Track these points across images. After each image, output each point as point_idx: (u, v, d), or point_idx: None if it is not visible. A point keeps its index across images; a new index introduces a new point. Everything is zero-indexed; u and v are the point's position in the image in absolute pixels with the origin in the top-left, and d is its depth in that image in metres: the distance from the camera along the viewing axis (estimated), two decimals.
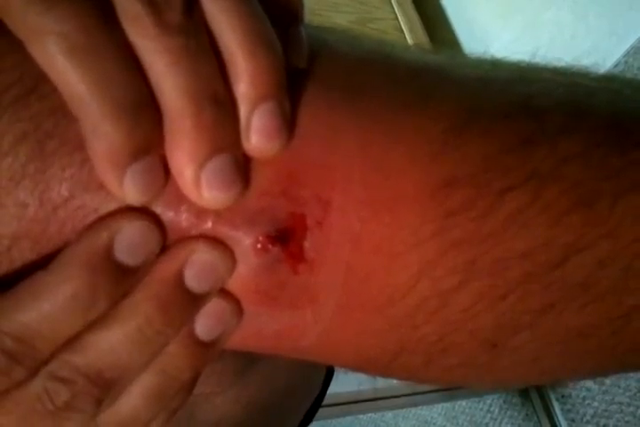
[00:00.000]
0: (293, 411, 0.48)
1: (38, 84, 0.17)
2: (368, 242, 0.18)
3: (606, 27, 1.06)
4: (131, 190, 0.16)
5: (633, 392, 1.02)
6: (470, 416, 1.05)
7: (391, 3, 1.18)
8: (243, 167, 0.17)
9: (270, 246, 0.17)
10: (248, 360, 0.34)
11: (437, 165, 0.19)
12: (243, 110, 0.17)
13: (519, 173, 0.19)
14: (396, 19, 1.16)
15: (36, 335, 0.17)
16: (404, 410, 1.13)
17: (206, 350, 0.19)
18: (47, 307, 0.17)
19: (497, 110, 0.20)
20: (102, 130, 0.16)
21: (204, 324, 0.19)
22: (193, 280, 0.18)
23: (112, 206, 0.17)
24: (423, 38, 1.13)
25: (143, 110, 0.16)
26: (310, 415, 0.51)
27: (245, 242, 0.18)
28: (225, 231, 0.18)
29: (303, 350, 0.21)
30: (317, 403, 0.51)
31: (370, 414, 1.16)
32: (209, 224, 0.18)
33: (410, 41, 1.13)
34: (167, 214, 0.18)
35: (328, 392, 0.51)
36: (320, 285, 0.19)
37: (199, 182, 0.17)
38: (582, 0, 1.08)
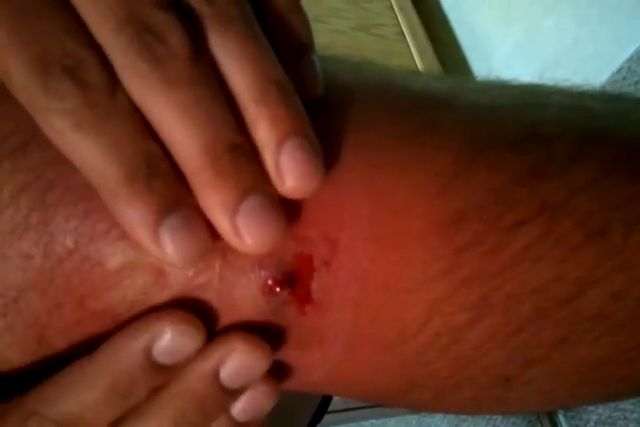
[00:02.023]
0: (298, 414, 0.48)
1: (37, 133, 0.16)
2: (376, 280, 0.18)
3: (609, 32, 1.06)
4: (170, 251, 0.16)
5: (637, 399, 1.02)
6: (474, 424, 1.05)
7: (393, 8, 1.18)
8: (279, 205, 0.16)
9: (278, 290, 0.17)
10: None
11: (445, 200, 0.18)
12: (268, 156, 0.16)
13: (530, 205, 0.19)
14: (398, 24, 1.16)
15: (79, 422, 0.17)
16: (407, 416, 1.13)
17: None
18: (89, 396, 0.17)
19: (505, 140, 0.20)
20: (120, 195, 0.15)
21: (241, 409, 0.19)
22: (228, 377, 0.18)
23: (118, 259, 0.17)
24: (425, 44, 1.13)
25: (159, 167, 0.16)
26: (316, 420, 0.50)
27: (253, 287, 0.18)
28: (233, 277, 0.18)
29: (312, 385, 0.21)
30: (322, 408, 0.51)
31: (372, 421, 1.16)
32: (217, 270, 0.18)
33: (412, 46, 1.13)
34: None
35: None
36: (328, 325, 0.19)
37: (238, 229, 0.16)
38: (584, 6, 1.08)
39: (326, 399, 0.52)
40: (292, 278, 0.17)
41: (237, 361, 0.18)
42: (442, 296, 0.19)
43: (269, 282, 0.17)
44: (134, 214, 0.15)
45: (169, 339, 0.17)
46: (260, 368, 0.18)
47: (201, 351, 0.18)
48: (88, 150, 0.15)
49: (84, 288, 0.17)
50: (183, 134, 0.15)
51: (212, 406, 0.18)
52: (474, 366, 0.20)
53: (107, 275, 0.17)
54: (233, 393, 0.18)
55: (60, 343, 0.18)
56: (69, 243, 0.17)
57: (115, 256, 0.17)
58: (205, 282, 0.18)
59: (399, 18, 1.17)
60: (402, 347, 0.19)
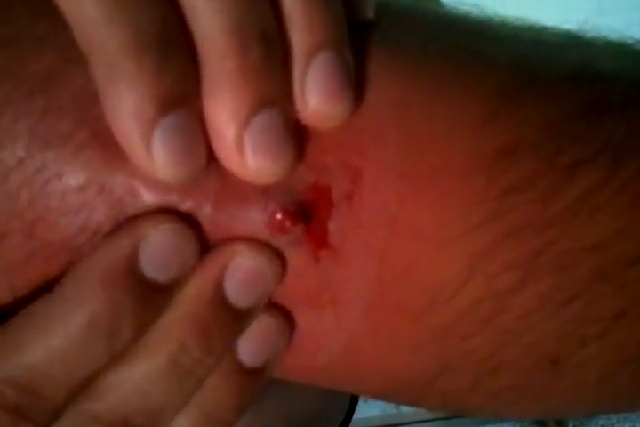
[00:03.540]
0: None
1: None
2: (406, 226, 0.15)
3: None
4: (161, 157, 0.13)
5: None
6: None
7: None
8: (294, 129, 0.14)
9: (288, 225, 0.14)
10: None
11: (491, 130, 0.15)
12: (297, 64, 0.13)
13: (590, 143, 0.15)
14: None
15: (44, 381, 0.13)
16: None
17: (252, 380, 0.16)
18: (57, 342, 0.13)
19: (558, 70, 0.17)
20: (123, 69, 0.12)
21: (250, 347, 0.15)
22: (235, 292, 0.14)
23: (82, 174, 0.14)
24: None
25: (174, 45, 0.12)
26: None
27: (257, 219, 0.14)
28: (231, 205, 0.14)
29: (319, 371, 0.17)
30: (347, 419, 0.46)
31: None
32: (210, 194, 0.14)
33: None
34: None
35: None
36: (346, 278, 0.15)
37: (242, 146, 0.13)
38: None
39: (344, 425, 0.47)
40: (307, 212, 0.14)
41: (245, 267, 0.14)
42: (485, 251, 0.15)
43: (278, 215, 0.14)
44: (131, 100, 0.12)
45: (156, 241, 0.13)
46: (272, 277, 0.15)
47: (199, 263, 0.14)
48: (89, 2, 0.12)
49: (34, 211, 0.14)
50: (210, 9, 0.12)
51: (219, 335, 0.14)
52: (518, 343, 0.16)
53: (65, 194, 0.14)
54: (241, 318, 0.15)
55: (3, 287, 0.14)
56: (19, 150, 0.14)
57: (77, 169, 0.14)
58: (194, 209, 0.14)
59: None
60: (434, 315, 0.16)
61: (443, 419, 1.05)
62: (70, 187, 0.14)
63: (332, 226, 0.15)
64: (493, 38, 0.18)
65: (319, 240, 0.15)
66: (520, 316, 0.16)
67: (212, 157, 0.14)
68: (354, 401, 0.43)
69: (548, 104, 0.16)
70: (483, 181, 0.15)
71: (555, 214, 0.15)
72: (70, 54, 0.14)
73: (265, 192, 0.14)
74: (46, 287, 0.14)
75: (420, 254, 0.15)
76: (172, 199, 0.14)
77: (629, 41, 0.20)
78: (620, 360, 0.17)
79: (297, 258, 0.15)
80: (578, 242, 0.15)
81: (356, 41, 0.15)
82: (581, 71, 0.17)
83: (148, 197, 0.14)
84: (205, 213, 0.14)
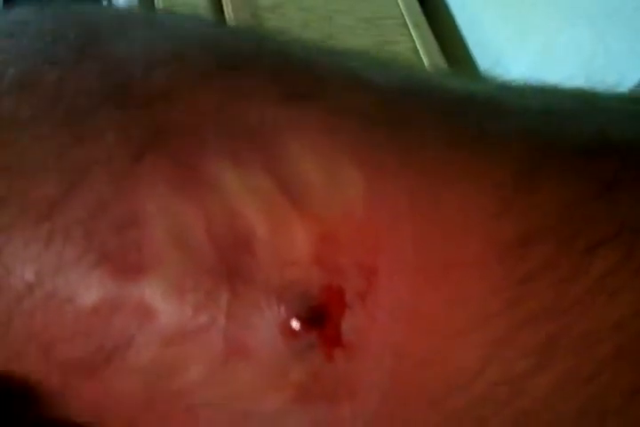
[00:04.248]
0: None
1: None
2: (423, 320, 0.15)
3: (626, 47, 1.03)
4: None
5: None
6: None
7: (407, 26, 1.16)
8: None
9: (302, 332, 0.14)
10: None
11: (508, 218, 0.15)
12: None
13: (607, 224, 0.15)
14: (412, 41, 1.14)
15: None
16: None
17: None
18: None
19: (572, 145, 0.16)
20: None
21: None
22: None
23: (94, 295, 0.14)
24: (440, 61, 1.11)
25: None
26: None
27: (271, 327, 0.15)
28: (244, 315, 0.14)
29: None
30: None
31: None
32: (223, 305, 0.14)
33: (426, 63, 1.11)
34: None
35: None
36: (361, 374, 0.15)
37: None
38: (600, 20, 1.06)
39: None
40: (320, 316, 0.15)
41: None
42: (502, 338, 0.15)
43: (292, 323, 0.14)
44: None
45: None
46: None
47: None
48: None
49: (49, 334, 0.14)
50: None
51: None
52: (537, 422, 0.16)
53: (79, 316, 0.14)
54: None
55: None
56: (29, 275, 0.14)
57: (88, 292, 0.14)
58: (208, 323, 0.14)
59: (413, 35, 1.15)
60: (451, 400, 0.16)
61: None
62: (83, 309, 0.14)
63: (345, 326, 0.15)
64: (503, 114, 0.18)
65: (333, 341, 0.15)
66: (539, 398, 0.16)
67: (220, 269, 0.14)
68: None
69: (562, 186, 0.16)
70: (499, 270, 0.15)
71: (573, 299, 0.15)
72: (72, 178, 0.14)
73: (277, 299, 0.15)
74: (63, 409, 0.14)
75: (437, 346, 0.15)
76: (187, 314, 0.14)
77: None
78: None
79: (310, 359, 0.15)
80: (596, 323, 0.15)
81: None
82: (595, 144, 0.17)
83: (163, 314, 0.14)
84: (219, 325, 0.14)
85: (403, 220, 0.15)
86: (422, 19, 1.16)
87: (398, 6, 1.15)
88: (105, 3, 0.94)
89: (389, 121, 0.16)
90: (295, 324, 0.14)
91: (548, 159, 0.16)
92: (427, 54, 1.12)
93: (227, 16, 0.97)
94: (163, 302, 0.14)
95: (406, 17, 1.15)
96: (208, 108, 0.15)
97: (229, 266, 0.14)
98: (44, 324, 0.14)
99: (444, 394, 0.16)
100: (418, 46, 1.13)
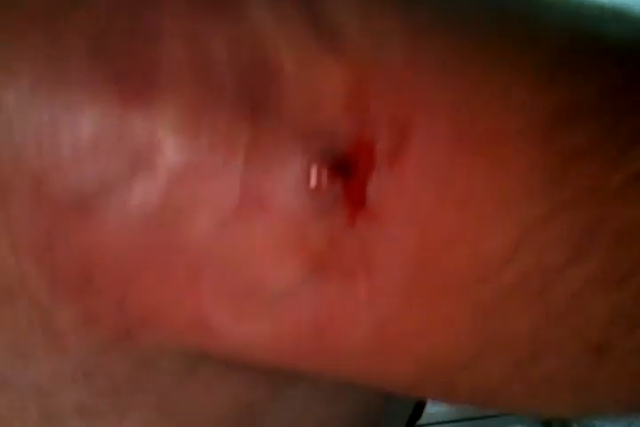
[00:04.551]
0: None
1: None
2: (456, 191, 0.14)
3: None
4: None
5: None
6: None
7: None
8: None
9: (327, 180, 0.13)
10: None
11: (550, 91, 0.14)
12: None
13: None
14: None
15: None
16: None
17: None
18: None
19: (613, 38, 0.16)
20: None
21: None
22: None
23: (97, 121, 0.12)
24: None
25: None
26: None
27: (293, 172, 0.13)
28: (266, 156, 0.13)
29: (348, 356, 0.16)
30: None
31: None
32: (241, 146, 0.13)
33: None
34: None
35: None
36: (383, 247, 0.14)
37: None
38: None
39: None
40: (346, 169, 0.13)
41: None
42: (539, 221, 0.14)
43: (316, 168, 0.13)
44: None
45: None
46: None
47: None
48: None
49: (43, 163, 0.13)
50: None
51: None
52: (565, 324, 0.15)
53: (78, 144, 0.13)
54: None
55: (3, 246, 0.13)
56: (20, 92, 0.12)
57: (92, 116, 0.12)
58: (224, 162, 0.13)
59: None
60: (477, 290, 0.14)
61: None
62: (83, 136, 0.13)
63: (371, 187, 0.13)
64: (545, 6, 0.17)
65: (357, 202, 0.13)
66: (570, 295, 0.15)
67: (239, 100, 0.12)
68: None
69: (605, 69, 0.15)
70: (541, 145, 0.14)
71: (615, 185, 0.14)
72: None
73: (303, 143, 0.13)
74: (49, 249, 0.13)
75: (467, 224, 0.14)
76: (201, 149, 0.13)
77: None
78: None
79: (331, 221, 0.14)
80: (636, 219, 0.14)
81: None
82: (634, 40, 0.16)
83: (171, 148, 0.13)
84: (236, 167, 0.13)
85: (444, 78, 0.14)
86: None
87: None
88: None
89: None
90: (320, 172, 0.13)
91: (592, 43, 0.15)
92: None
93: None
94: (175, 133, 0.13)
95: None
96: None
97: (253, 98, 0.13)
98: (38, 152, 0.13)
99: (471, 282, 0.14)
100: None
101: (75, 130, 0.13)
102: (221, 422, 0.20)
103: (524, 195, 0.14)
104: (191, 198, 0.13)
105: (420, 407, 0.40)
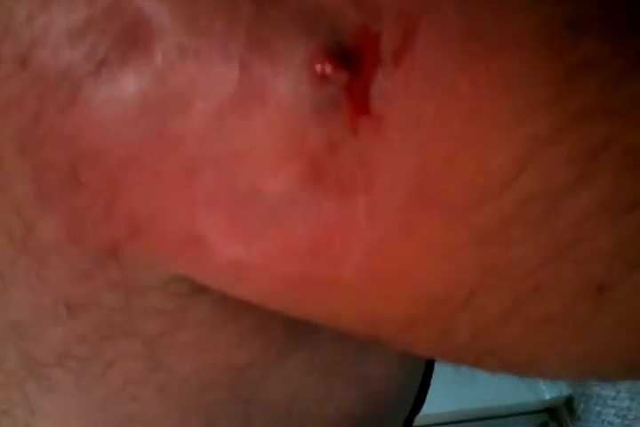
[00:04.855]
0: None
1: None
2: (462, 101, 0.13)
3: None
4: None
5: None
6: None
7: None
8: None
9: (331, 71, 0.12)
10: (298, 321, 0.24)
11: (561, 1, 0.13)
12: None
13: None
14: None
15: None
16: None
17: None
18: None
19: None
20: None
21: None
22: None
23: None
24: None
25: None
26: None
27: (295, 56, 0.12)
28: (267, 38, 0.12)
29: (339, 284, 0.15)
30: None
31: None
32: (242, 25, 0.12)
33: None
34: None
35: None
36: (385, 159, 0.13)
37: None
38: None
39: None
40: (350, 60, 0.12)
41: None
42: (544, 137, 0.13)
43: (320, 56, 0.12)
44: None
45: None
46: None
47: None
48: None
49: (32, 30, 0.12)
50: None
51: None
52: (566, 258, 0.14)
53: (71, 9, 0.12)
54: None
55: None
56: None
57: None
58: (224, 37, 0.12)
59: None
60: (479, 214, 0.14)
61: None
62: (75, 11, 0.12)
63: (375, 87, 0.12)
64: None
65: (359, 103, 0.12)
66: (573, 222, 0.14)
67: None
68: (424, 388, 0.37)
69: None
70: (550, 53, 0.13)
71: (624, 101, 0.13)
72: None
73: (307, 26, 0.12)
74: (33, 137, 0.12)
75: (471, 136, 0.13)
76: (201, 22, 0.12)
77: None
78: None
79: (332, 124, 0.13)
80: None
81: None
82: None
83: (168, 24, 0.12)
84: (236, 46, 0.12)
85: None
86: None
87: None
88: None
89: None
90: (324, 60, 0.12)
91: None
92: None
93: None
94: (172, 6, 0.12)
95: None
96: None
97: None
98: (28, 17, 0.12)
99: (473, 205, 0.14)
100: None
101: (68, 1, 0.12)
102: (214, 385, 0.19)
103: (533, 108, 0.13)
104: (187, 83, 0.12)
105: (420, 400, 0.38)
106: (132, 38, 0.12)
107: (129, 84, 0.12)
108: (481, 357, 0.17)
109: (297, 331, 0.19)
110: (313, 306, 0.16)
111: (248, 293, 0.15)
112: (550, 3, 0.13)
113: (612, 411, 1.09)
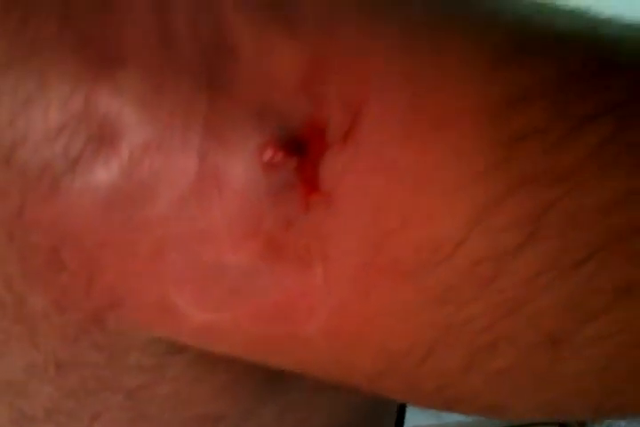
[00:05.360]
0: None
1: None
2: (408, 172, 0.14)
3: None
4: None
5: None
6: None
7: None
8: None
9: (281, 158, 0.13)
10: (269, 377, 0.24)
11: (504, 74, 0.14)
12: None
13: (598, 99, 0.15)
14: None
15: None
16: None
17: None
18: None
19: (566, 29, 0.16)
20: None
21: None
22: None
23: (66, 86, 0.13)
24: None
25: None
26: None
27: (248, 147, 0.13)
28: (223, 131, 0.13)
29: (307, 346, 0.16)
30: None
31: None
32: (199, 120, 0.13)
33: None
34: None
35: None
36: (338, 231, 0.14)
37: None
38: None
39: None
40: (300, 147, 0.13)
41: None
42: (490, 202, 0.14)
43: (271, 146, 0.13)
44: None
45: None
46: None
47: None
48: None
49: (15, 131, 0.13)
50: None
51: None
52: (519, 314, 0.15)
53: (47, 111, 0.13)
54: None
55: None
56: None
57: (61, 81, 0.13)
58: (183, 134, 0.13)
59: None
60: (431, 275, 0.15)
61: None
62: (52, 102, 0.13)
63: (324, 168, 0.14)
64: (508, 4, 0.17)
65: (310, 184, 0.13)
66: (522, 282, 0.15)
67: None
68: (402, 411, 0.38)
69: (557, 58, 0.15)
70: (492, 126, 0.14)
71: (565, 167, 0.14)
72: None
73: (258, 119, 0.13)
74: (19, 225, 0.13)
75: (419, 204, 0.14)
76: (161, 120, 0.13)
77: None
78: (627, 344, 0.16)
79: (286, 203, 0.14)
80: (588, 199, 0.14)
81: None
82: (588, 32, 0.16)
83: (133, 122, 0.13)
84: (194, 141, 0.13)
85: (397, 61, 0.14)
86: None
87: None
88: None
89: None
90: (274, 149, 0.13)
91: (544, 34, 0.16)
92: None
93: None
94: (136, 106, 0.13)
95: None
96: None
97: (210, 71, 0.13)
98: (10, 117, 0.13)
99: (423, 268, 0.15)
100: None
101: (45, 104, 0.13)
102: None
103: (476, 176, 0.14)
104: (152, 174, 0.13)
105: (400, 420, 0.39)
106: (100, 137, 0.13)
107: (101, 177, 0.13)
108: (449, 404, 0.18)
109: (269, 386, 0.20)
110: (285, 358, 0.17)
111: (224, 349, 0.16)
112: (490, 79, 0.14)
113: (623, 424, 1.09)
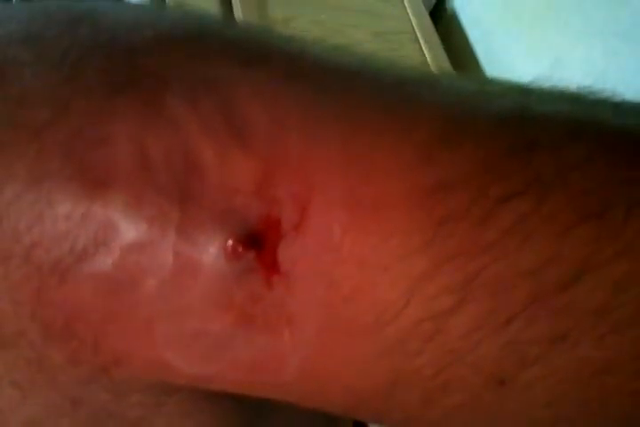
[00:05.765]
0: None
1: None
2: (351, 253, 0.17)
3: (637, 63, 1.04)
4: None
5: None
6: None
7: (419, 41, 1.18)
8: None
9: (241, 251, 0.16)
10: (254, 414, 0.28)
11: (428, 167, 0.17)
12: None
13: (520, 177, 0.17)
14: (424, 56, 1.16)
15: None
16: None
17: None
18: None
19: (494, 114, 0.18)
20: None
21: None
22: None
23: (68, 203, 0.17)
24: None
25: None
26: None
27: (214, 244, 0.16)
28: (193, 232, 0.16)
29: (285, 387, 0.19)
30: None
31: None
32: (174, 221, 0.16)
33: None
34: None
35: None
36: (298, 302, 0.17)
37: None
38: (612, 38, 1.07)
39: None
40: (258, 240, 0.16)
41: None
42: (423, 274, 0.17)
43: (232, 242, 0.16)
44: None
45: None
46: None
47: None
48: None
49: (32, 236, 0.17)
50: None
51: None
52: (462, 362, 0.18)
53: (56, 221, 0.17)
54: None
55: (5, 306, 0.17)
56: (18, 185, 0.17)
57: (64, 199, 0.17)
58: (160, 236, 0.17)
59: (424, 50, 1.17)
60: (380, 334, 0.17)
61: None
62: (59, 215, 0.17)
63: (281, 254, 0.17)
64: (434, 88, 0.20)
65: (271, 267, 0.16)
66: (460, 336, 0.17)
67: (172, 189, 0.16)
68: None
69: (481, 146, 0.17)
70: (420, 211, 0.17)
71: (487, 241, 0.17)
72: (60, 107, 0.17)
73: (221, 221, 0.16)
74: (38, 304, 0.16)
75: (364, 278, 0.17)
76: (143, 226, 0.17)
77: (583, 90, 0.21)
78: (564, 383, 0.18)
79: (251, 282, 0.17)
80: (512, 267, 0.17)
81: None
82: (516, 115, 0.18)
83: (123, 224, 0.17)
84: (170, 240, 0.17)
85: (336, 161, 0.17)
86: (434, 34, 1.18)
87: (410, 21, 1.18)
88: None
89: (329, 88, 0.18)
90: (235, 244, 0.16)
91: (471, 122, 0.18)
92: (438, 69, 1.14)
93: None
94: (123, 214, 0.17)
95: (417, 32, 1.17)
96: (176, 63, 0.17)
97: (182, 188, 0.17)
98: (28, 226, 0.17)
99: (374, 327, 0.17)
100: (429, 61, 1.15)
101: (54, 217, 0.17)
102: None
103: (408, 253, 0.17)
104: (138, 266, 0.17)
105: None
106: (97, 239, 0.17)
107: (98, 269, 0.17)
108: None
109: (254, 419, 0.23)
110: (268, 395, 0.20)
111: (215, 388, 0.20)
112: (416, 172, 0.17)
113: None
